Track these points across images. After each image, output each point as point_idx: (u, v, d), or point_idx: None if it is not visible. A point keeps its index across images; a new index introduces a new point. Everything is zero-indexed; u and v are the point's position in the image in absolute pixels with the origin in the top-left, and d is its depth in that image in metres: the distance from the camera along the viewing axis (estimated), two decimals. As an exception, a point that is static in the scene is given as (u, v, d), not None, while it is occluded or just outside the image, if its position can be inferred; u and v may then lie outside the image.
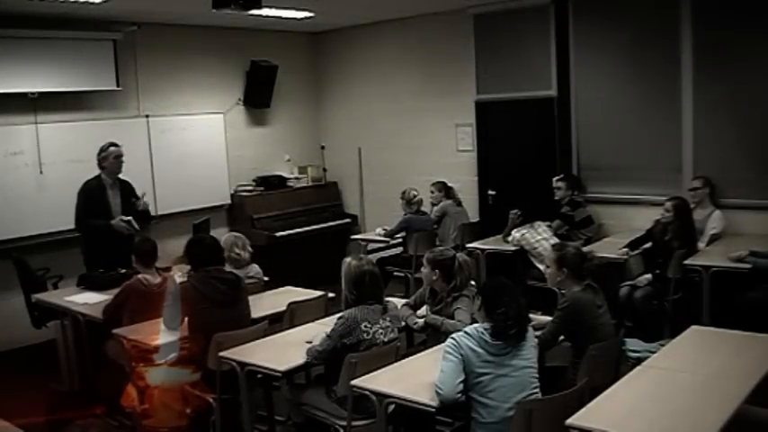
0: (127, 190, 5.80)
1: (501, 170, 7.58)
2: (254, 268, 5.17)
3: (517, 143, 7.43)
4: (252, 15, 6.50)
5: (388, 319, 3.77)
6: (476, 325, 3.22)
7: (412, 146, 8.27)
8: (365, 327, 3.64)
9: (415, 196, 7.13)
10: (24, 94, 6.38)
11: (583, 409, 2.85)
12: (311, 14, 7.39)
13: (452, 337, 3.18)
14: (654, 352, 3.68)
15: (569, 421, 2.76)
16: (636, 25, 6.55)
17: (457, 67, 7.76)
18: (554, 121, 7.07)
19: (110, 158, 5.66)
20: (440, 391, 3.06)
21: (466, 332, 3.17)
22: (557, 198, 6.60)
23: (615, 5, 6.67)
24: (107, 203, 5.62)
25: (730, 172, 6.13)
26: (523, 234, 6.24)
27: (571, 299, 3.69)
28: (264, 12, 6.32)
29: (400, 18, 8.08)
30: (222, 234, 7.87)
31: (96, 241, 5.57)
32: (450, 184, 7.27)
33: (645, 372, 3.26)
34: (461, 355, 3.10)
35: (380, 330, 3.69)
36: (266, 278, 5.28)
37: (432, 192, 7.20)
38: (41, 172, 6.53)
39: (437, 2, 7.28)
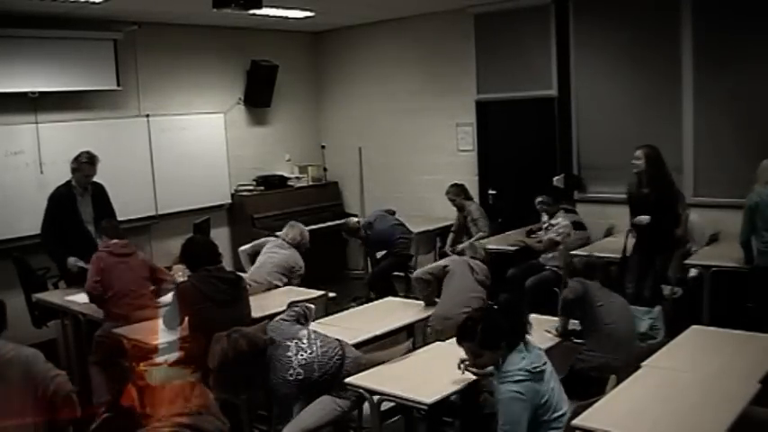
0: (99, 195, 5.70)
1: (501, 170, 7.58)
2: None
3: (518, 143, 7.43)
4: (252, 15, 6.50)
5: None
6: (511, 368, 2.92)
7: (412, 145, 8.27)
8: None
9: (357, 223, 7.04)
10: (25, 94, 6.38)
11: (588, 410, 2.85)
12: (312, 14, 7.39)
13: (516, 394, 2.84)
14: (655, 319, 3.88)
15: (574, 422, 2.77)
16: (636, 25, 6.55)
17: (457, 66, 7.75)
18: (554, 121, 7.07)
19: (77, 173, 5.53)
20: None
21: (517, 381, 2.87)
22: (544, 220, 6.42)
23: (616, 5, 6.67)
24: (77, 211, 5.52)
25: (730, 172, 6.12)
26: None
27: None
28: (265, 11, 6.31)
29: (401, 18, 8.08)
30: (223, 234, 7.94)
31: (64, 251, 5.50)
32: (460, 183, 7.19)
33: (647, 372, 3.27)
34: (529, 405, 2.85)
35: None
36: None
37: (457, 195, 7.01)
38: (42, 172, 6.53)
39: (437, 1, 7.28)
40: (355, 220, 7.16)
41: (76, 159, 5.53)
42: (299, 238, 5.55)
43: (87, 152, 5.55)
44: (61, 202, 5.52)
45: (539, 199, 6.39)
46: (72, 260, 5.40)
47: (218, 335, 3.39)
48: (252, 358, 3.32)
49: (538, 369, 2.90)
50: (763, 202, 4.93)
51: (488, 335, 2.99)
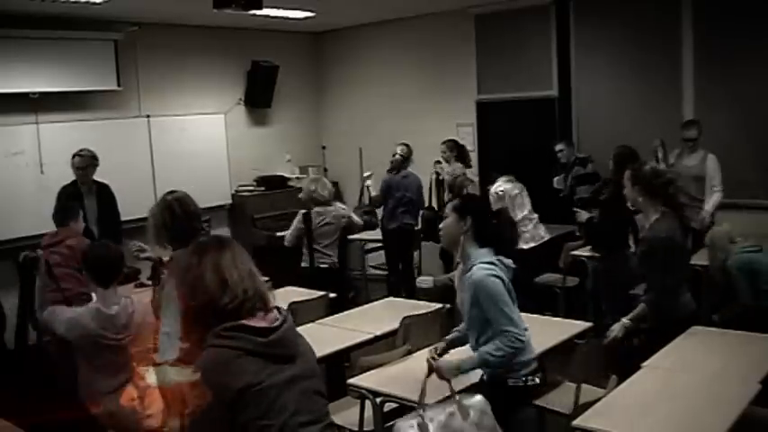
0: (103, 195, 5.70)
1: (502, 170, 7.56)
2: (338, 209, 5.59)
3: (518, 143, 7.43)
4: (253, 15, 6.50)
5: None
6: (479, 259, 2.95)
7: (413, 146, 8.23)
8: None
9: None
10: (25, 94, 6.38)
11: (588, 411, 2.85)
12: (312, 14, 7.39)
13: (492, 275, 2.89)
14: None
15: (575, 422, 2.77)
16: (637, 26, 6.56)
17: (458, 67, 7.76)
18: (555, 122, 7.07)
19: (73, 168, 5.59)
20: (521, 338, 2.88)
21: (489, 263, 2.92)
22: (563, 162, 6.53)
23: (616, 6, 6.67)
24: (83, 208, 5.47)
25: (731, 172, 6.10)
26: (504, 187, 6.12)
27: (652, 238, 3.69)
28: (265, 12, 6.30)
29: (401, 18, 8.08)
30: (223, 234, 7.92)
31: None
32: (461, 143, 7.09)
33: (647, 372, 3.27)
34: (508, 290, 2.94)
35: None
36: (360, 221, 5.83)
37: (450, 150, 6.90)
38: (42, 172, 6.53)
39: (438, 2, 7.29)
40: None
41: (72, 158, 5.61)
42: (304, 196, 5.61)
43: (79, 149, 5.62)
44: (67, 198, 5.54)
45: (557, 147, 6.58)
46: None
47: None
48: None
49: (506, 265, 2.98)
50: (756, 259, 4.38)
51: (467, 202, 3.18)
